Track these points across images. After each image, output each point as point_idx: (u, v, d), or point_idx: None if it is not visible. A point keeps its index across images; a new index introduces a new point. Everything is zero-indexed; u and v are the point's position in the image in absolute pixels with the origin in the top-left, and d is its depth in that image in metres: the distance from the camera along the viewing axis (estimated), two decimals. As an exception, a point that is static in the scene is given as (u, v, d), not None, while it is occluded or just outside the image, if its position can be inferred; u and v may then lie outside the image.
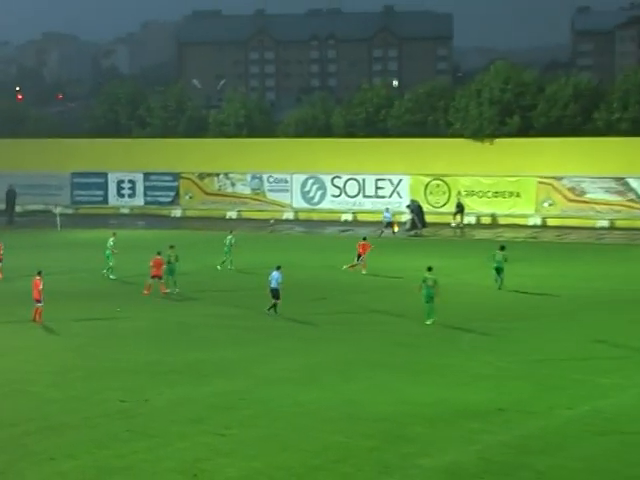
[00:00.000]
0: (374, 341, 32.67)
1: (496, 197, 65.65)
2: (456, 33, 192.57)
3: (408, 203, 64.94)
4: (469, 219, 65.23)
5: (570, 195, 63.83)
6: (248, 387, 26.97)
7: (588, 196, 63.41)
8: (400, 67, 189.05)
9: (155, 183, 74.38)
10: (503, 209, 65.54)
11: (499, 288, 41.24)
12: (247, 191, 72.03)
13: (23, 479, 20.36)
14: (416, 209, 63.27)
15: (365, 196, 69.16)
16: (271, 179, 71.34)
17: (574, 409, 24.83)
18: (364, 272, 45.71)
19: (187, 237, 60.47)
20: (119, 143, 75.55)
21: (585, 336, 32.93)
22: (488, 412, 24.39)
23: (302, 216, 70.27)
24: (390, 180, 68.18)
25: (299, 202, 70.78)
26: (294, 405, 25.17)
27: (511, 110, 66.87)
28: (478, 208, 65.95)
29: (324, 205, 70.16)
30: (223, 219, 69.96)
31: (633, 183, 62.43)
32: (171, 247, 42.33)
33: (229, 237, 47.24)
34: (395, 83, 69.93)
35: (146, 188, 74.58)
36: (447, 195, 66.68)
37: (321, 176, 70.00)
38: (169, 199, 74.13)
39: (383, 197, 68.04)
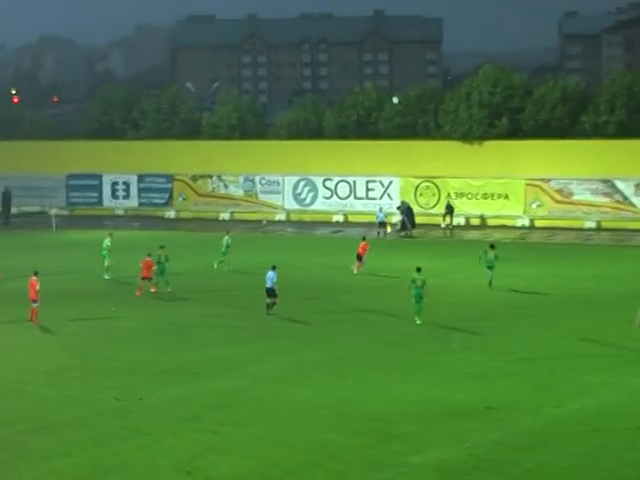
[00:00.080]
0: (366, 340, 32.88)
1: (485, 199, 66.10)
2: (446, 37, 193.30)
3: (398, 204, 65.45)
4: (458, 220, 65.65)
5: (558, 197, 64.34)
6: (242, 386, 27.14)
7: (575, 198, 63.93)
8: (390, 70, 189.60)
9: (149, 185, 74.76)
10: (492, 210, 65.96)
11: (489, 285, 41.60)
12: (240, 193, 72.39)
13: (19, 477, 20.54)
14: (406, 210, 63.66)
15: (356, 197, 69.55)
16: (263, 181, 71.69)
17: (563, 407, 25.03)
18: (355, 272, 46.09)
19: (181, 238, 60.93)
20: (114, 145, 75.98)
21: (574, 335, 33.14)
22: (478, 410, 24.59)
23: (294, 217, 70.61)
24: (381, 182, 68.58)
25: (291, 203, 71.14)
26: (287, 403, 25.38)
27: (500, 113, 67.27)
28: (467, 209, 66.37)
29: (315, 206, 70.51)
30: (216, 220, 70.46)
31: (620, 185, 62.93)
32: (161, 247, 42.63)
33: (226, 238, 47.66)
34: (395, 100, 69.97)
35: (140, 190, 74.99)
36: (437, 197, 67.11)
37: (313, 178, 70.34)
38: (163, 201, 74.47)
39: (374, 199, 68.47)
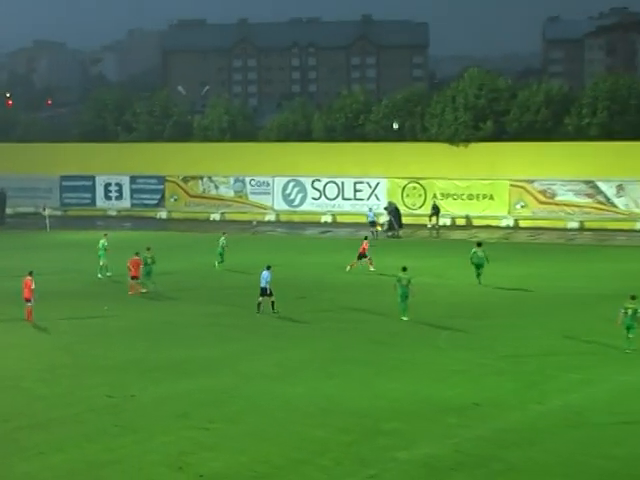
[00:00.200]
0: (353, 338, 33.10)
1: (470, 199, 66.55)
2: (432, 41, 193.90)
3: (386, 205, 65.91)
4: (444, 220, 66.04)
5: (541, 197, 64.88)
6: (232, 383, 27.39)
7: (559, 198, 64.47)
8: (378, 74, 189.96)
9: (141, 186, 75.14)
10: (477, 211, 66.43)
11: (479, 283, 42.20)
12: (230, 194, 72.80)
13: (13, 473, 20.76)
14: (393, 211, 64.12)
15: (344, 198, 69.95)
16: (253, 182, 72.08)
17: (548, 404, 25.36)
18: (348, 269, 46.46)
19: (173, 238, 61.43)
20: (106, 147, 76.40)
21: (558, 333, 33.42)
22: (464, 407, 24.88)
23: (283, 218, 70.96)
24: (368, 183, 69.01)
25: (280, 204, 71.53)
26: (276, 400, 25.65)
27: (485, 115, 67.67)
28: (453, 210, 66.82)
29: (304, 207, 70.90)
30: (207, 221, 70.93)
31: (602, 186, 63.47)
32: (148, 249, 42.71)
33: (222, 239, 48.08)
34: (395, 126, 70.18)
35: (132, 191, 75.40)
36: (423, 197, 67.55)
37: (301, 179, 70.73)
38: (155, 201, 74.83)
39: (361, 199, 68.94)
